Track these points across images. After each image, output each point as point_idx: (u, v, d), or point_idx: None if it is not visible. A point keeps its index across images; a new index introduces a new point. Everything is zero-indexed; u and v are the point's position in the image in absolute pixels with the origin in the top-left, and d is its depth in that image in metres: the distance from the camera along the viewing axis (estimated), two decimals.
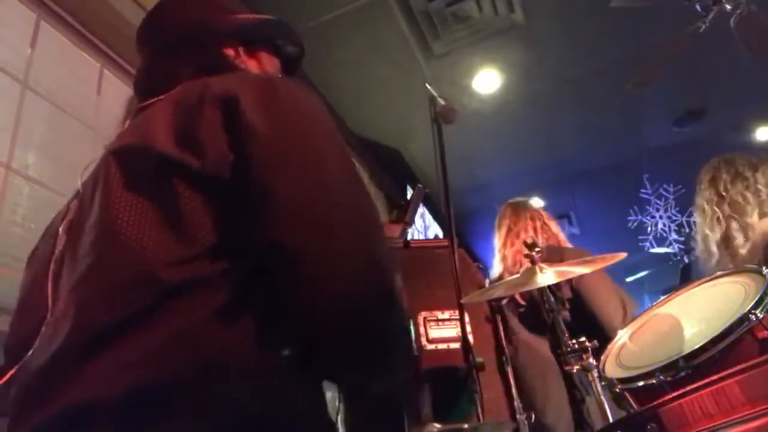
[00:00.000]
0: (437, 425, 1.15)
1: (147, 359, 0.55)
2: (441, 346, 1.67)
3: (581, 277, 1.95)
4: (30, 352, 0.64)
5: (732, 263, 1.78)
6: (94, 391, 0.54)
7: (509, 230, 2.40)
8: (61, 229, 0.74)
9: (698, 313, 1.18)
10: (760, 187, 1.83)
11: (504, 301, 2.14)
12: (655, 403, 0.88)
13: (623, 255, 1.52)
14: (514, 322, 2.13)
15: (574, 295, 2.06)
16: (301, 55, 0.99)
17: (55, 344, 0.60)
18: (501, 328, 1.96)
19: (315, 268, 0.59)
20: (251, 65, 0.89)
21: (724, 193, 1.87)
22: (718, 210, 1.86)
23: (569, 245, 2.35)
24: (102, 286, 0.60)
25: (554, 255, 2.06)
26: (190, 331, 0.57)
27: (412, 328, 1.50)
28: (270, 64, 0.93)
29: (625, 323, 1.91)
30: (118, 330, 0.57)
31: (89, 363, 0.56)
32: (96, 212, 0.66)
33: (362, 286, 0.61)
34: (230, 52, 0.86)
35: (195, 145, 0.62)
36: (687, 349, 1.01)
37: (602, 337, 1.88)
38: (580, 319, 2.03)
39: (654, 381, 1.03)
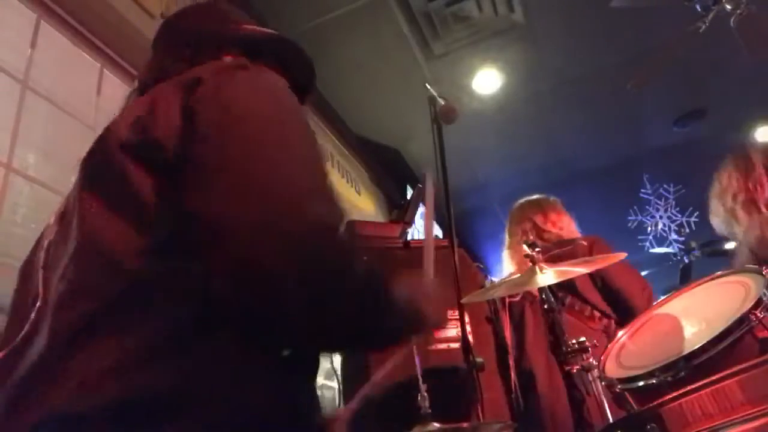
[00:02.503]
0: (437, 425, 1.14)
1: (124, 364, 0.54)
2: (441, 346, 1.67)
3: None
4: (12, 347, 0.64)
5: None
6: (75, 398, 0.53)
7: (511, 236, 2.42)
8: (52, 220, 0.76)
9: (698, 313, 1.18)
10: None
11: (518, 297, 2.14)
12: (655, 403, 0.88)
13: (623, 255, 1.52)
14: (530, 322, 2.12)
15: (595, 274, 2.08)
16: (312, 78, 0.98)
17: (36, 344, 0.60)
18: (507, 327, 1.96)
19: (233, 236, 0.58)
20: None
21: None
22: None
23: (577, 235, 2.35)
24: (76, 279, 0.61)
25: (565, 246, 2.08)
26: (168, 330, 0.56)
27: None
28: None
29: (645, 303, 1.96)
30: (93, 326, 0.56)
31: (67, 366, 0.55)
32: (72, 207, 0.68)
33: (285, 254, 0.57)
34: (228, 59, 0.86)
35: (148, 127, 0.64)
36: (687, 349, 1.01)
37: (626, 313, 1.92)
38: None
39: (654, 381, 1.03)
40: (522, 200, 2.54)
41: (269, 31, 0.93)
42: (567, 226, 2.37)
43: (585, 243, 2.12)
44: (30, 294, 0.70)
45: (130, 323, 0.56)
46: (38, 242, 0.80)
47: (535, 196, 2.53)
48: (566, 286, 2.07)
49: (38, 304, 0.66)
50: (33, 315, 0.65)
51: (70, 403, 0.53)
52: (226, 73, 0.69)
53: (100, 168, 0.67)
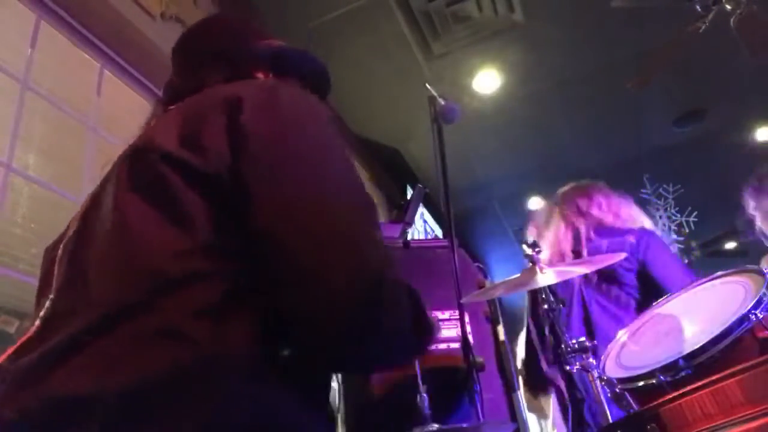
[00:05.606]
0: (437, 425, 1.14)
1: (139, 354, 0.56)
2: (441, 346, 1.67)
3: (648, 249, 2.03)
4: (27, 337, 0.65)
5: None
6: (83, 383, 0.55)
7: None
8: (76, 218, 0.78)
9: (698, 313, 1.19)
10: None
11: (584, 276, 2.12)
12: (655, 403, 0.88)
13: (623, 255, 1.52)
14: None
15: (640, 266, 2.07)
16: (327, 88, 1.03)
17: (52, 335, 0.61)
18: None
19: (301, 259, 0.61)
20: None
21: None
22: None
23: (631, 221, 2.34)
24: (106, 278, 0.63)
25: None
26: (182, 327, 0.58)
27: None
28: None
29: None
30: (113, 321, 0.58)
31: (80, 354, 0.57)
32: (106, 209, 0.70)
33: (346, 276, 0.61)
34: (260, 75, 0.92)
35: (196, 144, 0.66)
36: (687, 349, 1.00)
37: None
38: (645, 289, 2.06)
39: (654, 381, 1.03)
40: (557, 193, 2.55)
41: (293, 47, 0.99)
42: (616, 211, 2.39)
43: (633, 239, 2.12)
44: (48, 277, 0.73)
45: (151, 319, 0.58)
46: (62, 237, 0.81)
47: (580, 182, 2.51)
48: (604, 272, 2.07)
49: (51, 296, 0.68)
50: (43, 311, 0.67)
51: (77, 387, 0.54)
52: (269, 92, 0.72)
53: (144, 175, 0.68)
